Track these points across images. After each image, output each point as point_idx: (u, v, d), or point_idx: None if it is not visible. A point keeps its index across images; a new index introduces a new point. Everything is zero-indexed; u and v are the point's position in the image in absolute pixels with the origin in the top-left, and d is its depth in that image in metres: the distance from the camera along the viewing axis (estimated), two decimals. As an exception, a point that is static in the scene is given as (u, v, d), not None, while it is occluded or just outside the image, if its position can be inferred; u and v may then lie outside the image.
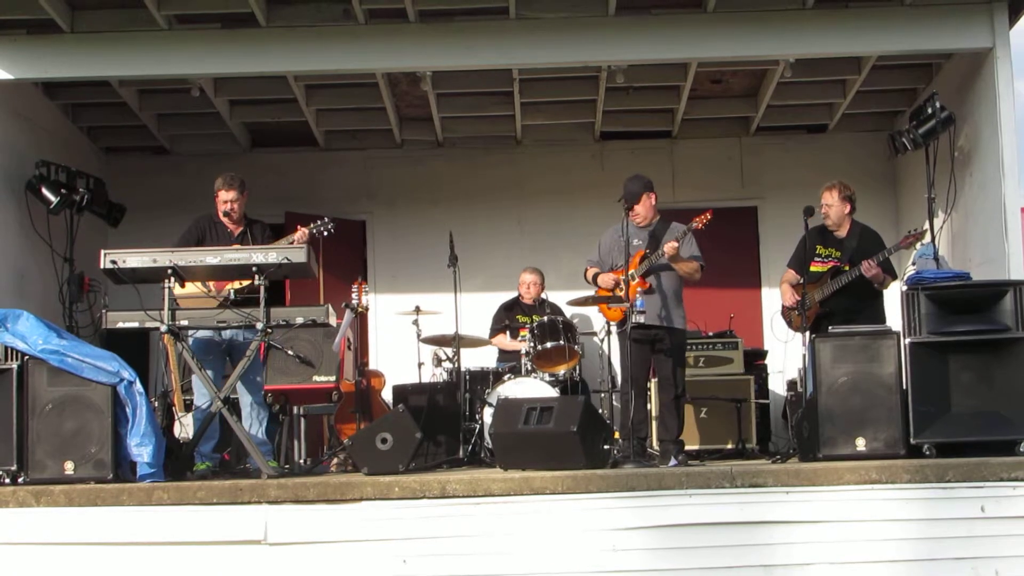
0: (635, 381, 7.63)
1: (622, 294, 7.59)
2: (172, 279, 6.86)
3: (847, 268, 7.89)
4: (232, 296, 7.38)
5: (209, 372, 7.34)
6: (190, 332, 7.33)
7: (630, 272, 7.62)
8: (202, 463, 7.54)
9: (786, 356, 9.34)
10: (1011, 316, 6.70)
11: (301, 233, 8.04)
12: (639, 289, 7.58)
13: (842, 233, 8.06)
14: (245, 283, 7.37)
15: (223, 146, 11.07)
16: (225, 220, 7.92)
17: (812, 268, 8.02)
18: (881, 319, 7.85)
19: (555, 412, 6.74)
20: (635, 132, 11.06)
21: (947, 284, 6.90)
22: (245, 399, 7.72)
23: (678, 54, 9.01)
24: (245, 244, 7.75)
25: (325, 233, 8.28)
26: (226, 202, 7.89)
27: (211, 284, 7.48)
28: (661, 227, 7.86)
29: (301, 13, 8.50)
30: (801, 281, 7.95)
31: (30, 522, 6.00)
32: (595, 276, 7.99)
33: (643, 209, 7.81)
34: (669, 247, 7.55)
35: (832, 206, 8.01)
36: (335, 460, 8.19)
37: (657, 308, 7.62)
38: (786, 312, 8.27)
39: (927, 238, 8.02)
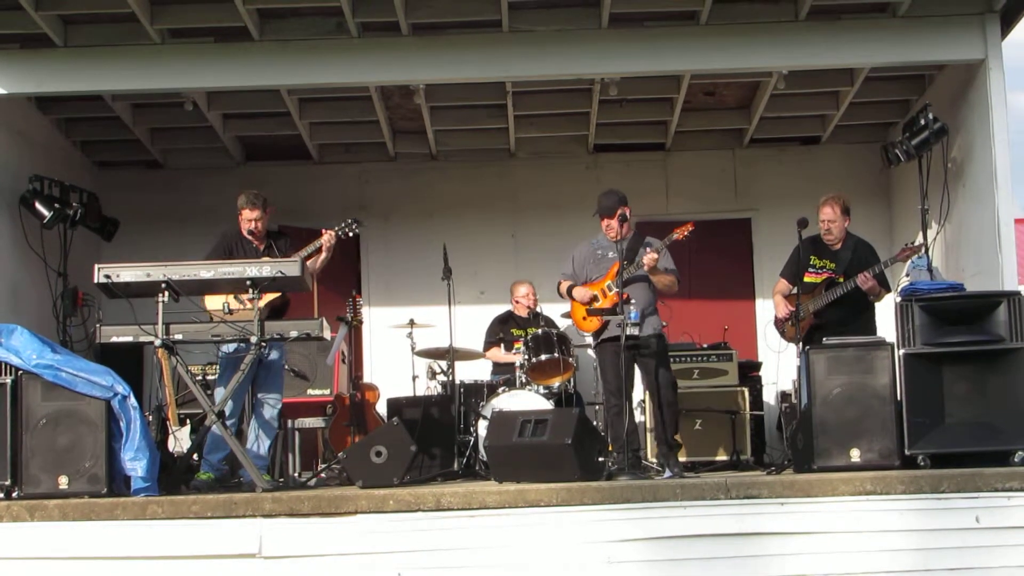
0: (625, 392, 7.60)
1: (599, 305, 7.62)
2: (166, 293, 6.85)
3: (841, 280, 7.89)
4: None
5: None
6: (222, 347, 7.37)
7: (606, 284, 7.69)
8: (205, 472, 7.50)
9: (779, 367, 9.30)
10: (1005, 327, 6.70)
11: (328, 236, 7.89)
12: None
13: (837, 245, 8.06)
14: (275, 295, 7.35)
15: (216, 160, 11.05)
16: (249, 236, 7.88)
17: (806, 279, 8.01)
18: (872, 331, 7.83)
19: (550, 424, 6.74)
20: (628, 144, 11.06)
21: (941, 295, 6.90)
22: (257, 411, 7.67)
23: (671, 66, 9.02)
24: (271, 257, 7.69)
25: (351, 234, 8.15)
26: (250, 220, 7.82)
27: (244, 298, 7.23)
28: (635, 240, 7.85)
29: (294, 27, 8.51)
30: (794, 291, 7.95)
31: (24, 537, 5.98)
32: (569, 289, 7.98)
33: (617, 223, 7.81)
34: (648, 259, 7.57)
35: (834, 222, 7.96)
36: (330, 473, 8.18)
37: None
38: (779, 323, 8.25)
39: (922, 250, 8.03)
